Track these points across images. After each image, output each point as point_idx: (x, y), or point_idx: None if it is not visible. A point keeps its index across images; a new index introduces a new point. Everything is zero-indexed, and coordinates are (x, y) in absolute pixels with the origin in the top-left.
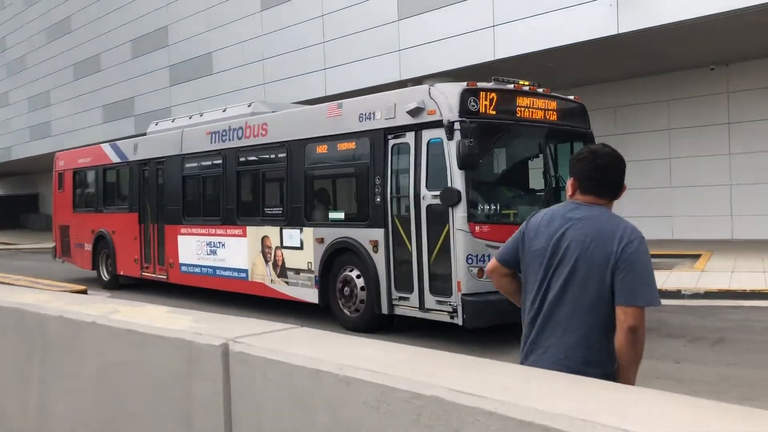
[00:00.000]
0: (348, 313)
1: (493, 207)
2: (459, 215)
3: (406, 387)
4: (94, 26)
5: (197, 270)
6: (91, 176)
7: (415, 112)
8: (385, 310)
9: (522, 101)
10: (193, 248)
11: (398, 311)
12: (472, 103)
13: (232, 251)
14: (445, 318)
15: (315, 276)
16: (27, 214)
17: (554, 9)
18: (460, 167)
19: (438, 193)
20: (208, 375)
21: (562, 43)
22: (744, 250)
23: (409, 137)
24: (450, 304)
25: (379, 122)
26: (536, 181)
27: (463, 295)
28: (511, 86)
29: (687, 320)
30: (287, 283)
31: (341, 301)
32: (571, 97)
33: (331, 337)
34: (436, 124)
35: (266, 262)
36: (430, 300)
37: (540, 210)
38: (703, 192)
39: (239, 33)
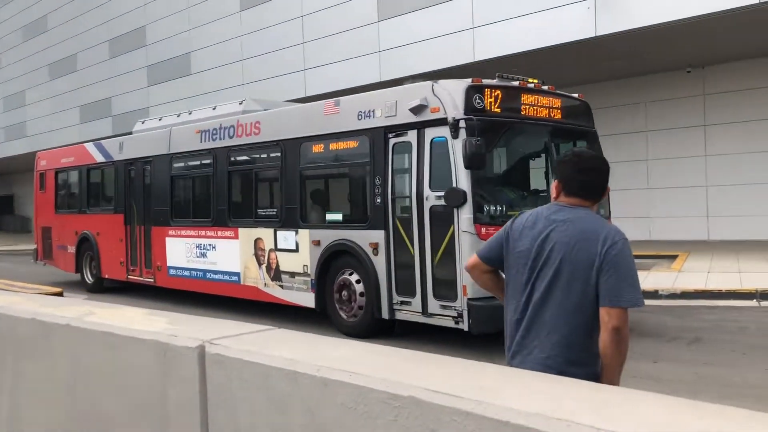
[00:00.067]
0: (346, 317)
1: (499, 208)
2: (465, 216)
3: (384, 387)
4: (70, 25)
5: (186, 273)
6: (74, 176)
7: (417, 110)
8: (385, 314)
9: (527, 99)
10: (182, 251)
11: (400, 316)
12: (478, 101)
13: (224, 254)
14: (450, 323)
15: (311, 279)
16: (2, 215)
17: (534, 11)
18: (467, 167)
19: (442, 193)
20: (185, 377)
21: (542, 45)
22: (720, 250)
23: (411, 136)
24: (455, 309)
25: (379, 120)
26: (539, 181)
27: (468, 299)
28: (516, 83)
29: (664, 320)
30: (282, 286)
31: (339, 305)
32: (576, 95)
33: (309, 339)
34: (440, 122)
35: (259, 265)
36: (434, 305)
37: (525, 211)
38: (680, 193)
39: (218, 33)
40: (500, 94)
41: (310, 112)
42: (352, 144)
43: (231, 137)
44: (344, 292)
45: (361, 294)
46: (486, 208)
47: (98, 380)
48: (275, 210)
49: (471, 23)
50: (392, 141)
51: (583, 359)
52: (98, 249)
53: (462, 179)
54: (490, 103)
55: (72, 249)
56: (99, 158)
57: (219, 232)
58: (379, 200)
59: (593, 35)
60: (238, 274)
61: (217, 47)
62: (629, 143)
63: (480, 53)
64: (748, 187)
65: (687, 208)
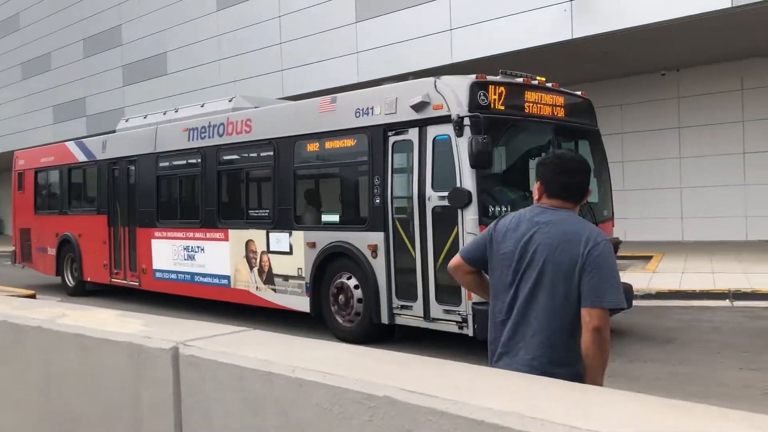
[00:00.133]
0: (342, 322)
1: (504, 208)
2: (469, 217)
3: (359, 388)
4: (44, 24)
5: (173, 276)
6: (54, 176)
7: (419, 107)
8: (385, 319)
9: (531, 96)
10: (169, 253)
11: (400, 321)
12: (482, 97)
13: (213, 256)
14: (453, 328)
15: (306, 283)
16: None
17: (511, 13)
18: (473, 165)
19: (446, 193)
20: (158, 378)
21: (519, 48)
22: (694, 251)
23: (412, 134)
24: (459, 314)
25: (379, 118)
26: None
27: (473, 304)
28: (519, 80)
29: (639, 320)
30: (274, 290)
31: (335, 309)
32: (579, 93)
33: (284, 339)
34: (443, 120)
35: (251, 267)
36: (437, 309)
37: (507, 213)
38: (655, 195)
39: (195, 33)
40: (504, 91)
41: (304, 109)
42: (349, 142)
43: (221, 135)
44: (341, 296)
45: (359, 299)
46: (491, 208)
47: (71, 382)
48: (267, 211)
49: (449, 25)
50: (392, 139)
51: (566, 359)
52: (80, 251)
53: (467, 179)
54: (495, 100)
55: (52, 251)
56: (81, 157)
57: (208, 234)
58: (378, 201)
59: (569, 38)
60: (228, 278)
61: (193, 47)
62: (605, 145)
63: (457, 55)
64: (721, 189)
65: (662, 210)
